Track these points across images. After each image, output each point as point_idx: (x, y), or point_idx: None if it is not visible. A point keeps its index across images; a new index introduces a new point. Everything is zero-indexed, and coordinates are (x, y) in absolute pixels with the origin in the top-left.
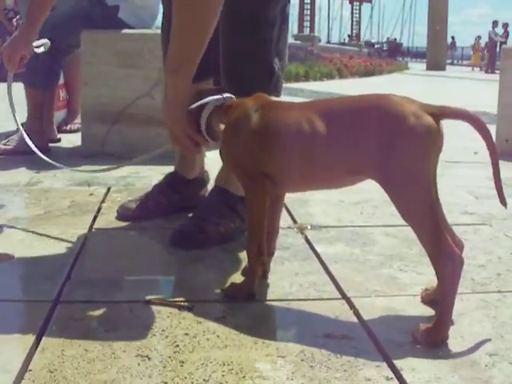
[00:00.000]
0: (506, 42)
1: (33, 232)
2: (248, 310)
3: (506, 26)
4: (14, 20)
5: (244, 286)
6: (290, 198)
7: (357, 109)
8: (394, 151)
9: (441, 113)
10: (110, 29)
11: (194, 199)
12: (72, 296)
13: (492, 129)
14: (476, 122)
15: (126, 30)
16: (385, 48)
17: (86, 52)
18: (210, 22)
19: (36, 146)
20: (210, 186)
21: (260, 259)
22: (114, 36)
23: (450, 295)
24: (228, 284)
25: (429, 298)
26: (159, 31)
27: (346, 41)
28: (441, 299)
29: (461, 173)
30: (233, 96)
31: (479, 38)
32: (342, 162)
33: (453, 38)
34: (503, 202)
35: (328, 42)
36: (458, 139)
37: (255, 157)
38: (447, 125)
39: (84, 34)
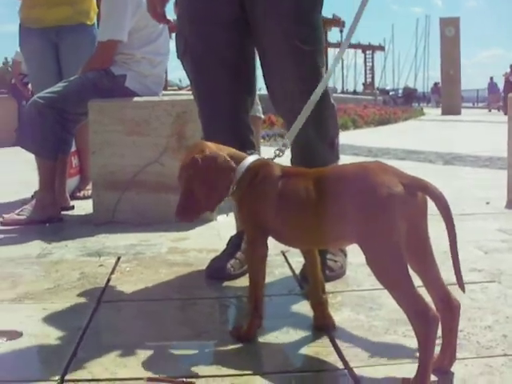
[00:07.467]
0: None
1: (41, 307)
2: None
3: None
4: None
5: (244, 332)
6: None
7: (339, 180)
8: (368, 219)
9: (414, 184)
10: (118, 97)
11: None
12: (77, 374)
13: (504, 175)
14: (438, 199)
15: (132, 98)
16: (400, 95)
17: (92, 121)
18: None
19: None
20: None
21: (256, 314)
22: (120, 104)
23: (425, 356)
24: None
25: (435, 366)
26: (166, 98)
27: (361, 89)
28: (419, 360)
29: (471, 226)
30: None
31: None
32: (329, 227)
33: None
34: (461, 286)
35: (343, 91)
36: (469, 190)
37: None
38: (456, 176)
39: (91, 103)
